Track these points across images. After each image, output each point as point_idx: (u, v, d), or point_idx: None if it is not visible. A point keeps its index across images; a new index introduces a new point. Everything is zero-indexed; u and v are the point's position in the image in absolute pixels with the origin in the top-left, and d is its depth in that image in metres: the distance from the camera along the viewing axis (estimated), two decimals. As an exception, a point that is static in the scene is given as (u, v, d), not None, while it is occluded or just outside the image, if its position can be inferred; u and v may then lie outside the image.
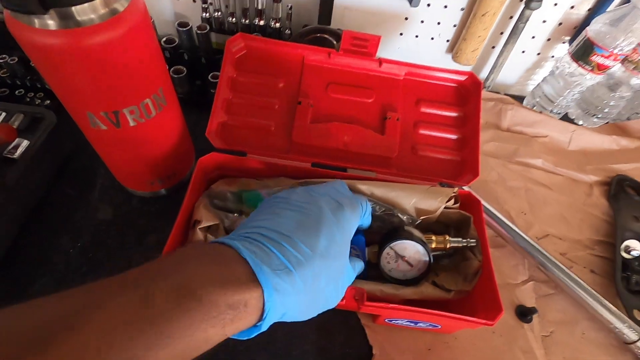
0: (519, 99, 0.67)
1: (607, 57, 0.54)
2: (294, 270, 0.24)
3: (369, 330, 0.41)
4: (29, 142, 0.44)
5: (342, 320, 0.41)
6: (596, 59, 0.55)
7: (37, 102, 0.53)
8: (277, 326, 0.39)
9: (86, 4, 0.28)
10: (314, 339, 0.40)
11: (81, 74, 0.30)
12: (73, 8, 0.27)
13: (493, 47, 0.65)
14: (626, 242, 0.51)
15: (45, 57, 0.29)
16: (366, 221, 0.36)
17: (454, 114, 0.49)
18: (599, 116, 0.65)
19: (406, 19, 0.61)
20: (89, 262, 0.42)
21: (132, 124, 0.36)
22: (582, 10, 0.59)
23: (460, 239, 0.39)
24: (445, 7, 0.59)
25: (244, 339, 0.24)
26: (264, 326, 0.23)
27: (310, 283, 0.25)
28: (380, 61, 0.48)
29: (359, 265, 0.33)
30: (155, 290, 0.19)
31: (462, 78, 0.49)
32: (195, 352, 0.20)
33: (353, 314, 0.41)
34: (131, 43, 0.31)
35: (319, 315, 0.40)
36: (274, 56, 0.48)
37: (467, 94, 0.49)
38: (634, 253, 0.50)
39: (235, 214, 0.39)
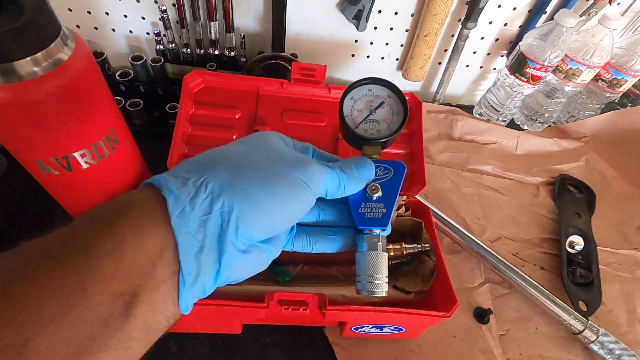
0: (469, 108, 0.72)
1: (539, 69, 0.59)
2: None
3: (337, 347, 0.42)
4: (-22, 189, 0.43)
5: (308, 340, 0.42)
6: (530, 70, 0.60)
7: (-13, 145, 0.52)
8: (248, 352, 0.40)
9: (28, 58, 0.28)
10: (282, 362, 0.41)
11: (27, 124, 0.30)
12: (15, 63, 0.28)
13: (440, 63, 0.69)
14: (570, 238, 0.55)
15: (-13, 111, 0.29)
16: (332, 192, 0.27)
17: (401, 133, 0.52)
18: (541, 121, 0.70)
19: (356, 41, 0.64)
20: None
21: (84, 166, 0.36)
22: (514, 27, 0.64)
23: (415, 245, 0.41)
24: (391, 29, 0.63)
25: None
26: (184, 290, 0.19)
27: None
28: (330, 88, 0.51)
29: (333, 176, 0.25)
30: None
31: None
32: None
33: (319, 332, 0.43)
34: (77, 90, 0.32)
35: (285, 336, 0.41)
36: (230, 89, 0.51)
37: (410, 113, 0.52)
38: (578, 247, 0.54)
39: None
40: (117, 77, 0.57)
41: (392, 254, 0.41)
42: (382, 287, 0.25)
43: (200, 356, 0.40)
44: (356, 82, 0.30)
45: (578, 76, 0.61)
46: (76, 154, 0.35)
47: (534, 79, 0.60)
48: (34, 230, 0.48)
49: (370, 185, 0.27)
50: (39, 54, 0.29)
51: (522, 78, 0.61)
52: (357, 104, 0.30)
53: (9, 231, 0.46)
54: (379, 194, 0.27)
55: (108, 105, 0.37)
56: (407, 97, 0.52)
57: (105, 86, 0.36)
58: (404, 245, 0.42)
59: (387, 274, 0.26)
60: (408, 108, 0.29)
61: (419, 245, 0.42)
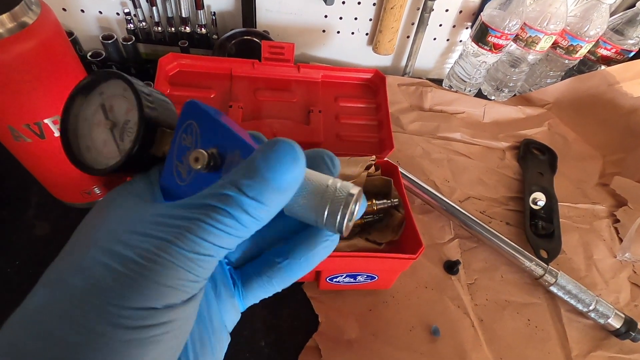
0: (439, 82, 0.74)
1: (499, 37, 0.62)
2: None
3: (314, 301, 0.44)
4: (-49, 167, 0.43)
5: (287, 296, 0.44)
6: (491, 39, 0.62)
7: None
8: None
9: (-8, 20, 0.29)
10: (262, 317, 0.42)
11: (-6, 87, 0.31)
12: (-22, 24, 0.29)
13: (408, 37, 0.71)
14: (533, 195, 0.58)
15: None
16: None
17: (368, 105, 0.57)
18: (506, 90, 0.73)
19: (325, 16, 0.66)
20: (30, 280, 0.42)
21: (57, 134, 0.37)
22: (476, -1, 0.67)
23: (385, 201, 0.44)
24: (359, 3, 0.64)
25: None
26: None
27: None
28: (299, 67, 0.55)
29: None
30: None
31: (369, 75, 0.58)
32: None
33: (298, 289, 0.45)
34: (45, 55, 0.32)
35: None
36: (204, 71, 0.54)
37: (375, 87, 0.58)
38: (540, 203, 0.57)
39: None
40: (89, 57, 0.58)
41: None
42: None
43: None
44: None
45: (537, 44, 0.64)
46: (48, 121, 0.36)
47: (496, 47, 0.63)
48: (10, 209, 0.48)
49: (181, 162, 0.18)
50: (3, 16, 0.29)
51: (485, 47, 0.64)
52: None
53: (-15, 209, 0.46)
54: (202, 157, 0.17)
55: (77, 73, 0.37)
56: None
57: (73, 54, 0.37)
58: (374, 201, 0.44)
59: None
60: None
61: (389, 201, 0.44)
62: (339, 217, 0.16)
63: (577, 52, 0.66)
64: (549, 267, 0.49)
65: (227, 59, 0.55)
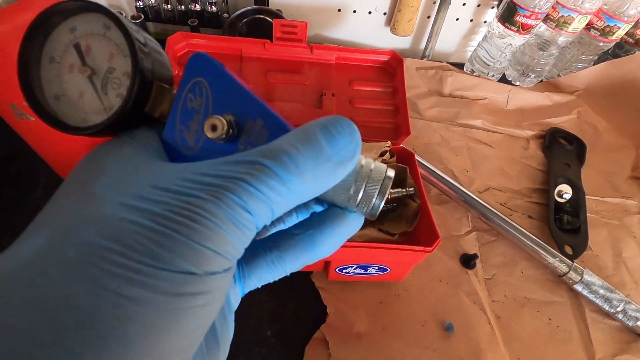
0: (460, 66, 0.70)
1: (529, 17, 0.57)
2: None
3: (323, 292, 0.42)
4: (-41, 145, 0.43)
5: (295, 286, 0.43)
6: (520, 19, 0.58)
7: (-33, 106, 0.51)
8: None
9: (-13, -12, 0.27)
10: (268, 306, 0.41)
11: (-7, 61, 0.30)
12: (-27, -7, 0.27)
13: (428, 17, 0.67)
14: (559, 187, 0.55)
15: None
16: None
17: (384, 89, 0.54)
18: (533, 76, 0.69)
19: (342, -6, 0.62)
20: (37, 259, 0.42)
21: (60, 112, 0.36)
22: (505, -25, 0.62)
23: (399, 189, 0.41)
24: (377, -20, 0.61)
25: None
26: None
27: None
28: (312, 47, 0.52)
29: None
30: None
31: (386, 57, 0.54)
32: None
33: (306, 279, 0.43)
34: (44, 27, 0.31)
35: (271, 283, 0.42)
36: (214, 51, 0.52)
37: (392, 70, 0.55)
38: (566, 196, 0.54)
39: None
40: (97, 36, 0.56)
41: None
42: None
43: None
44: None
45: (570, 24, 0.59)
46: (50, 99, 0.34)
47: (524, 28, 0.59)
48: (18, 190, 0.48)
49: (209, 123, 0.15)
50: (-1, -15, 0.28)
51: (512, 27, 0.59)
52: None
53: (-6, 189, 0.46)
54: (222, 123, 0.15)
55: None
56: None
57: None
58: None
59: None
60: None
61: (404, 190, 0.42)
62: (375, 200, 0.15)
63: (613, 33, 0.61)
64: (574, 264, 0.45)
65: (237, 38, 0.53)
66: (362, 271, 0.40)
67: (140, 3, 0.58)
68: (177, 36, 0.49)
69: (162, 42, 0.48)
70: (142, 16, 0.56)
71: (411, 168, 0.44)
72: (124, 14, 0.55)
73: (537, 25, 0.59)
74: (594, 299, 0.44)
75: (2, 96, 0.33)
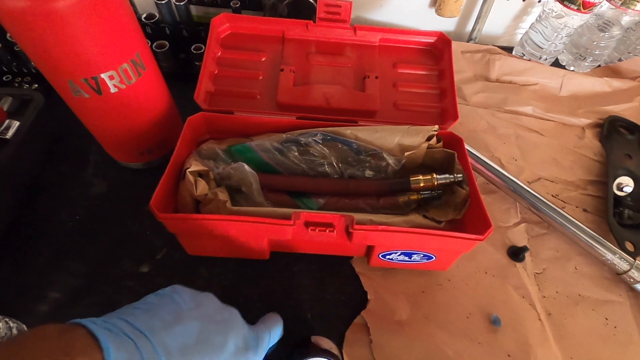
0: (508, 50, 0.66)
1: (592, -6, 0.53)
2: None
3: (363, 277, 0.42)
4: (19, 123, 0.45)
5: (336, 270, 0.42)
6: (581, -4, 0.54)
7: (25, 87, 0.54)
8: (275, 279, 0.41)
9: (49, -35, 0.28)
10: (309, 289, 0.41)
11: (51, 38, 0.31)
12: (36, -31, 0.28)
13: (477, -3, 0.63)
14: (618, 180, 0.51)
15: (13, 21, 0.30)
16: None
17: (430, 72, 0.51)
18: (590, 60, 0.64)
19: (385, -26, 0.60)
20: (88, 234, 0.44)
21: (113, 90, 0.36)
22: (565, -51, 0.57)
23: (447, 175, 0.39)
24: (424, -43, 0.58)
25: None
26: None
27: None
28: (355, 29, 0.51)
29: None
30: None
31: (432, 39, 0.52)
32: None
33: (347, 264, 0.43)
34: (99, 5, 0.31)
35: (312, 265, 0.42)
36: (257, 33, 0.52)
37: (439, 52, 0.52)
38: (627, 189, 0.50)
39: (224, 165, 0.40)
40: (143, 19, 0.57)
41: (422, 184, 0.40)
42: None
43: (230, 280, 0.41)
44: None
45: (638, 1, 0.54)
46: (104, 75, 0.35)
47: (586, 6, 0.54)
48: (71, 165, 0.50)
49: None
50: (59, -39, 0.28)
51: (572, 6, 0.55)
52: None
53: (50, 166, 0.48)
54: None
55: (132, 27, 0.36)
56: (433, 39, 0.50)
57: (129, 7, 0.36)
58: (434, 175, 0.40)
59: None
60: None
61: (451, 176, 0.40)
62: None
63: (689, 11, 0.55)
64: (637, 261, 0.42)
65: (279, 20, 0.52)
66: (407, 258, 0.39)
67: (184, -14, 0.58)
68: (221, 18, 0.49)
69: (205, 26, 0.49)
70: (186, -1, 0.57)
71: (459, 154, 0.42)
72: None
73: (600, 3, 0.54)
74: (658, 300, 0.41)
75: (60, 73, 0.34)
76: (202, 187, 0.37)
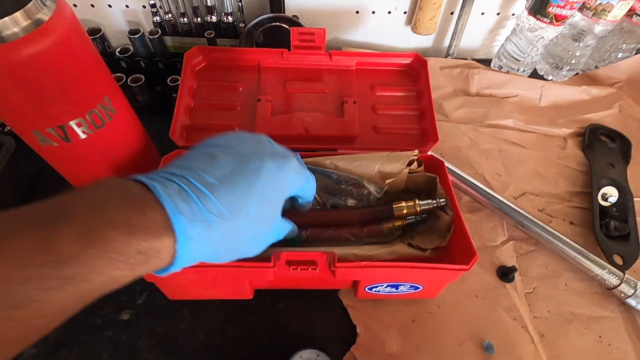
0: (487, 62, 0.67)
1: (563, 7, 0.53)
2: (215, 225, 0.23)
3: (352, 310, 0.41)
4: (-10, 169, 0.44)
5: (322, 305, 0.41)
6: (553, 10, 0.54)
7: (-3, 130, 0.53)
8: (260, 318, 0.40)
9: (6, 18, 0.27)
10: (296, 326, 0.40)
11: (14, 90, 0.30)
12: (-7, 24, 0.27)
13: (452, 13, 0.64)
14: (603, 190, 0.51)
15: (-27, 77, 0.29)
16: (307, 194, 0.34)
17: (408, 93, 0.51)
18: (568, 68, 0.64)
19: (359, -5, 0.60)
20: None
21: (82, 136, 0.36)
22: (534, -37, 0.58)
23: (429, 201, 0.39)
24: (397, -22, 0.58)
25: (159, 275, 0.23)
26: (174, 269, 0.23)
27: (230, 237, 0.24)
28: (331, 54, 0.51)
29: (288, 228, 0.33)
30: (59, 232, 0.18)
31: (408, 60, 0.52)
32: (101, 292, 0.20)
33: (334, 297, 0.42)
34: (62, 53, 0.31)
35: (298, 301, 0.41)
36: (232, 63, 0.51)
37: (416, 73, 0.52)
38: (611, 199, 0.50)
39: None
40: (117, 54, 0.57)
41: (405, 211, 0.39)
42: None
43: (214, 322, 0.40)
44: None
45: (609, 12, 0.55)
46: (72, 123, 0.34)
47: (558, 19, 0.55)
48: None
49: None
50: (17, 14, 0.28)
51: (545, 19, 0.55)
52: None
53: (24, 210, 0.47)
54: None
55: (99, 72, 0.35)
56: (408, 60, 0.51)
57: (94, 51, 0.35)
58: (417, 202, 0.39)
59: None
60: None
61: (434, 201, 0.39)
62: None
63: (659, 19, 0.56)
64: (626, 275, 0.42)
65: (254, 49, 0.52)
66: (393, 290, 0.38)
67: (157, 18, 0.58)
68: (194, 51, 0.49)
69: (180, 56, 0.48)
70: (159, 31, 0.56)
71: (441, 177, 0.41)
72: (142, 30, 0.55)
73: (572, 15, 0.55)
74: (650, 314, 0.40)
75: (25, 125, 0.33)
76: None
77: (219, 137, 0.28)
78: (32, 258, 0.17)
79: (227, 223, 0.23)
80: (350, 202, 0.42)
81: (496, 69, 0.66)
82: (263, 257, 0.33)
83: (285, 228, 0.32)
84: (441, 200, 0.39)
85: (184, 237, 0.21)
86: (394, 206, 0.39)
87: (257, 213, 0.25)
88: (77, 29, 0.32)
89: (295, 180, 0.30)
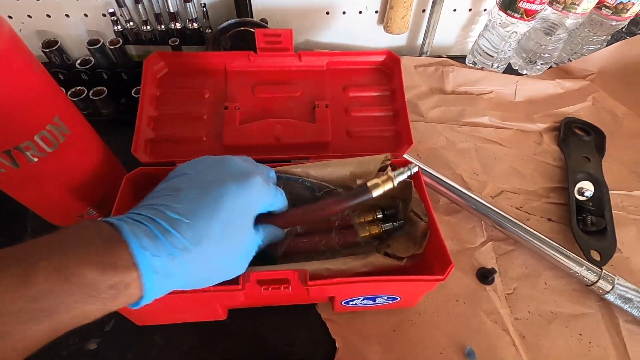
0: (461, 58, 0.66)
1: (532, 2, 0.53)
2: (179, 256, 0.24)
3: (330, 323, 0.39)
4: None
5: (301, 319, 0.40)
6: (523, 5, 0.54)
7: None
8: (237, 338, 0.38)
9: None
10: (274, 345, 0.38)
11: (-52, 118, 0.27)
12: None
13: (423, 11, 0.63)
14: (579, 185, 0.51)
15: None
16: (278, 207, 0.33)
17: (382, 93, 0.49)
18: (541, 62, 0.64)
19: (328, -4, 0.59)
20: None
21: (32, 160, 0.33)
22: (502, -42, 0.57)
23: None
24: (365, -23, 0.57)
25: (133, 308, 0.25)
26: (144, 302, 0.24)
27: (198, 265, 0.25)
28: (300, 55, 0.48)
29: (270, 232, 0.32)
30: (35, 269, 0.20)
31: (381, 58, 0.50)
32: (75, 325, 0.21)
33: (311, 309, 0.40)
34: (1, 74, 0.28)
35: (275, 317, 0.39)
36: (196, 68, 0.48)
37: (389, 72, 0.50)
38: (587, 194, 0.50)
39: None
40: (77, 66, 0.54)
41: (380, 188, 0.34)
42: None
43: (188, 346, 0.38)
44: None
45: (578, 5, 0.54)
46: (19, 147, 0.32)
47: (529, 14, 0.54)
48: (6, 234, 0.46)
49: None
50: (-58, 36, 0.25)
51: (515, 14, 0.55)
52: None
53: (-18, 238, 0.44)
54: None
55: (46, 90, 0.33)
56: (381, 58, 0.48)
57: (40, 69, 0.33)
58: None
59: None
60: None
61: (396, 223, 0.39)
62: None
63: (627, 10, 0.56)
64: (603, 271, 0.42)
65: (219, 52, 0.50)
66: (371, 302, 0.37)
67: (119, 27, 0.55)
68: (154, 57, 0.46)
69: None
70: (121, 41, 0.54)
71: (416, 181, 0.40)
72: (102, 40, 0.53)
73: (542, 9, 0.55)
74: (628, 309, 0.40)
75: (-33, 151, 0.31)
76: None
77: (185, 165, 0.30)
78: (13, 293, 0.19)
79: (192, 253, 0.25)
80: None
81: (471, 65, 0.65)
82: (232, 279, 0.32)
83: (266, 234, 0.32)
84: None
85: (149, 271, 0.23)
86: (368, 184, 0.34)
87: (223, 238, 0.26)
88: (16, 47, 0.30)
89: (261, 197, 0.30)
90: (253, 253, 0.31)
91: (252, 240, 0.30)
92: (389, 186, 0.34)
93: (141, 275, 0.23)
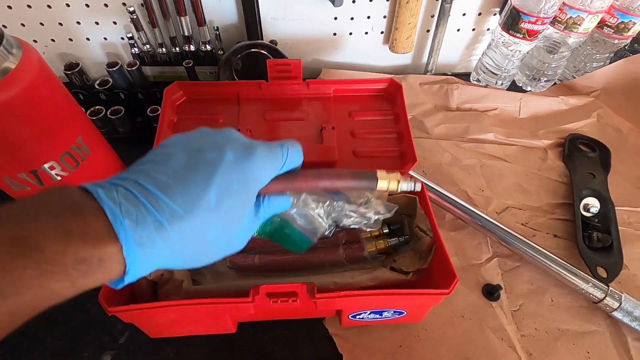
0: (466, 76, 0.68)
1: (534, 23, 0.54)
2: (167, 225, 0.21)
3: (337, 338, 0.40)
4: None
5: (308, 334, 0.41)
6: (525, 25, 0.55)
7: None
8: (245, 351, 0.39)
9: (-29, 71, 0.27)
10: (281, 358, 0.39)
11: (-18, 140, 0.30)
12: (-43, 77, 0.27)
13: (428, 31, 0.65)
14: (584, 201, 0.51)
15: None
16: (296, 161, 0.29)
17: (386, 117, 0.52)
18: (545, 79, 0.65)
19: (335, 18, 0.61)
20: (45, 322, 0.41)
21: (56, 179, 0.35)
22: (504, -20, 0.59)
23: (396, 239, 0.40)
24: (371, 0, 0.59)
25: (114, 287, 0.22)
26: (128, 280, 0.21)
27: (190, 237, 0.22)
28: (308, 83, 0.51)
29: (274, 203, 0.28)
30: None
31: (384, 85, 0.53)
32: (36, 307, 0.18)
33: (319, 325, 0.41)
34: (30, 100, 0.31)
35: (282, 332, 0.40)
36: (212, 96, 0.52)
37: (392, 97, 0.53)
38: (593, 210, 0.50)
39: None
40: (97, 87, 0.57)
41: (385, 184, 0.31)
42: None
43: (199, 358, 0.39)
44: None
45: (580, 25, 0.56)
46: (45, 167, 0.34)
47: (531, 34, 0.56)
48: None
49: None
50: (-19, 66, 0.28)
51: (518, 35, 0.56)
52: None
53: None
54: None
55: (71, 114, 0.35)
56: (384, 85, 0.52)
57: (65, 94, 0.35)
58: (387, 240, 0.40)
59: None
60: None
61: (402, 238, 0.40)
62: None
63: (629, 29, 0.57)
64: (610, 288, 0.42)
65: (233, 82, 0.53)
66: (377, 316, 0.38)
67: (136, 49, 0.58)
68: (174, 87, 0.49)
69: (161, 85, 0.49)
70: (138, 63, 0.57)
71: (421, 198, 0.41)
72: (120, 63, 0.55)
73: (544, 30, 0.56)
74: (636, 327, 0.40)
75: (-4, 171, 0.33)
76: (156, 268, 0.36)
77: (180, 134, 0.26)
78: None
79: (184, 221, 0.21)
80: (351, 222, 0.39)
81: (475, 82, 0.66)
82: (243, 291, 0.33)
83: (269, 207, 0.28)
84: (417, 184, 0.36)
85: (130, 243, 0.20)
86: (377, 173, 0.35)
87: (219, 208, 0.23)
88: (45, 74, 0.32)
89: (266, 169, 0.26)
90: (255, 228, 0.27)
91: (253, 213, 0.26)
92: (392, 186, 0.32)
93: (122, 247, 0.19)
